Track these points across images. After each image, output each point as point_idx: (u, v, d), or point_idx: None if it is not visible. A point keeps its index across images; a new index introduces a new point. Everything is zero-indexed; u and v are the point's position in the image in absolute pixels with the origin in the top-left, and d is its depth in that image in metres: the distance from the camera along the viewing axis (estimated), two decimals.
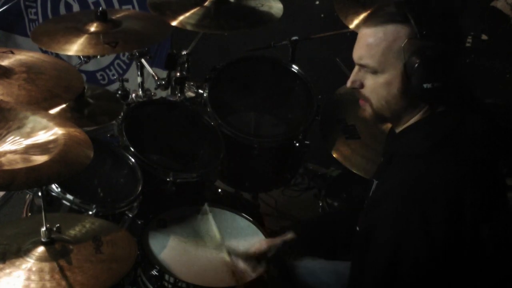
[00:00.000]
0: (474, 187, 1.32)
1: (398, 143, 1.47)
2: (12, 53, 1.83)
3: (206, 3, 2.44)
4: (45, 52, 2.46)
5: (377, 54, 1.38)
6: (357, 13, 2.34)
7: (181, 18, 2.37)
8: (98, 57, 3.47)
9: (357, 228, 1.54)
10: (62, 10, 3.82)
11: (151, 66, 2.63)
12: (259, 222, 2.09)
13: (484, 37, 2.72)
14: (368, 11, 2.31)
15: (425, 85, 1.33)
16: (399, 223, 1.32)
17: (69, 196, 1.90)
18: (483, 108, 1.43)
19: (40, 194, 1.71)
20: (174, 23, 2.35)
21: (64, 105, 2.09)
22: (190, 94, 2.57)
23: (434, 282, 1.33)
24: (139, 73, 2.59)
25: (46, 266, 1.47)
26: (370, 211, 1.47)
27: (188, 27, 2.34)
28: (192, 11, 2.41)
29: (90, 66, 3.76)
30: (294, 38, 2.68)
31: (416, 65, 1.32)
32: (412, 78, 1.34)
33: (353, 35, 2.36)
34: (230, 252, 1.85)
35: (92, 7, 3.70)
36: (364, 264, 1.40)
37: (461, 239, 1.32)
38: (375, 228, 1.37)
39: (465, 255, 1.33)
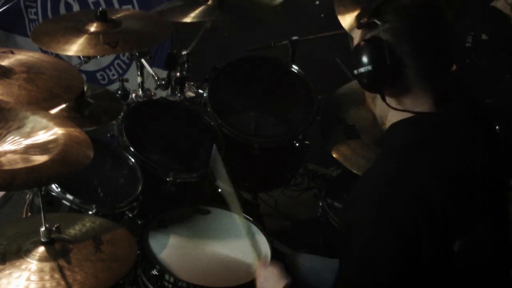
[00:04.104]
0: (445, 195, 1.28)
1: (383, 140, 1.46)
2: (12, 53, 1.84)
3: (209, 2, 2.45)
4: (45, 52, 2.46)
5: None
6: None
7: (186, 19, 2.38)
8: (98, 57, 3.47)
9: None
10: (62, 10, 3.82)
11: (151, 66, 2.63)
12: (259, 222, 2.09)
13: (484, 37, 2.72)
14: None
15: (355, 71, 1.36)
16: (370, 227, 1.29)
17: (69, 196, 1.90)
18: (481, 111, 1.41)
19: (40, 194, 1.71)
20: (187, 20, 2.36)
21: (64, 105, 2.09)
22: (190, 94, 2.57)
23: (407, 283, 1.31)
24: (139, 73, 2.59)
25: (46, 266, 1.47)
26: (345, 211, 1.44)
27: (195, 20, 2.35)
28: (196, 11, 2.41)
29: (90, 66, 3.75)
30: (294, 38, 2.68)
31: (352, 54, 1.37)
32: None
33: None
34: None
35: (92, 7, 3.69)
36: (340, 267, 1.39)
37: (432, 248, 1.27)
38: (350, 230, 1.35)
39: (435, 266, 1.30)
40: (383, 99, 1.38)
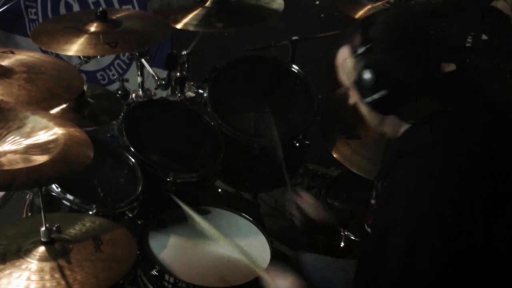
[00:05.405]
0: (478, 183, 1.31)
1: (399, 143, 1.47)
2: (12, 53, 1.84)
3: (207, 4, 2.44)
4: (45, 52, 2.46)
5: (341, 76, 1.45)
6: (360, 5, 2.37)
7: (184, 20, 2.37)
8: (98, 57, 3.47)
9: (366, 228, 1.53)
10: (62, 10, 3.82)
11: (151, 66, 2.63)
12: (259, 222, 2.09)
13: (484, 37, 2.71)
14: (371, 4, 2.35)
15: (368, 99, 1.37)
16: (411, 219, 1.31)
17: (69, 196, 1.91)
18: (491, 107, 1.42)
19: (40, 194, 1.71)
20: (178, 26, 2.35)
21: (64, 105, 2.09)
22: (190, 94, 2.57)
23: (451, 277, 1.33)
24: (139, 73, 2.59)
25: (46, 266, 1.47)
26: (379, 210, 1.45)
27: (191, 28, 2.34)
28: (194, 12, 2.41)
29: (90, 66, 3.75)
30: (294, 38, 2.68)
31: (357, 82, 1.37)
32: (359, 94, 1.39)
33: None
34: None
35: (92, 7, 3.69)
36: (379, 264, 1.39)
37: (474, 234, 1.30)
38: (387, 226, 1.36)
39: (477, 253, 1.32)
40: (401, 118, 1.40)
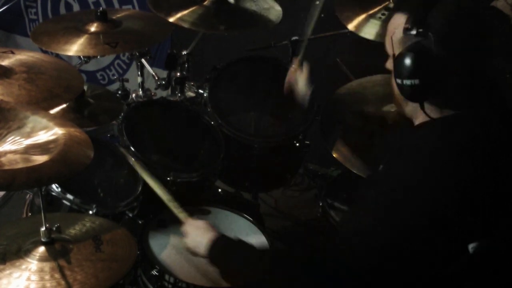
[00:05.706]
0: (478, 183, 1.31)
1: (411, 136, 1.47)
2: (12, 53, 1.84)
3: (206, 3, 2.43)
4: (45, 52, 2.46)
5: (387, 40, 1.44)
6: (356, 15, 2.36)
7: (179, 15, 2.36)
8: (98, 57, 3.47)
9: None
10: (62, 10, 3.82)
11: (151, 66, 2.63)
12: (259, 222, 2.09)
13: None
14: (366, 13, 2.34)
15: (398, 80, 1.36)
16: (411, 219, 1.31)
17: (69, 196, 1.91)
18: (490, 107, 1.42)
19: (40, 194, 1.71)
20: (171, 20, 2.33)
21: (64, 105, 2.09)
22: (190, 94, 2.57)
23: (451, 277, 1.32)
24: (139, 73, 2.59)
25: (46, 266, 1.48)
26: (378, 208, 1.44)
27: (186, 25, 2.34)
28: (191, 9, 2.40)
29: (90, 66, 3.76)
30: (294, 38, 2.67)
31: (396, 59, 1.35)
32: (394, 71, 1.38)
33: (353, 35, 2.38)
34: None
35: (92, 7, 3.70)
36: (376, 261, 1.38)
37: (474, 234, 1.31)
38: (387, 225, 1.34)
39: (477, 253, 1.32)
40: (422, 108, 1.38)
